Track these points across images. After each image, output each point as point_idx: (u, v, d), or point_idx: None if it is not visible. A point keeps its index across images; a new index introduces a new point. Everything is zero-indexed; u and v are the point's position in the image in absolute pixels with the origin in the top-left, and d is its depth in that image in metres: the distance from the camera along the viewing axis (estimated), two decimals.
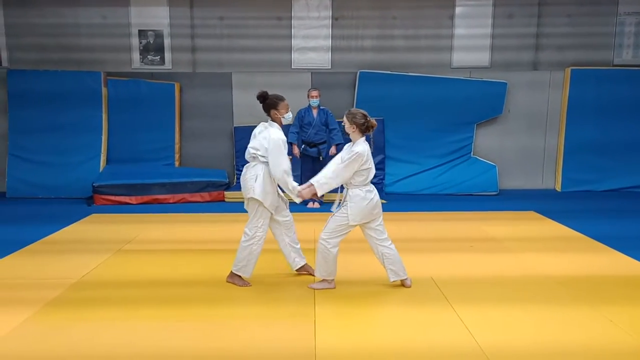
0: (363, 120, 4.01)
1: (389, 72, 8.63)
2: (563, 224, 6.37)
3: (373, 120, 4.07)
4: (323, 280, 4.13)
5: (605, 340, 3.32)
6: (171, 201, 7.64)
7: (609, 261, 4.98)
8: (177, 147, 8.64)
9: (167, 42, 8.58)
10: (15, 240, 5.50)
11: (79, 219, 6.63)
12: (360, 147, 4.02)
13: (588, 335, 3.39)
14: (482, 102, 8.64)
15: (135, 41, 8.56)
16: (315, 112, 7.38)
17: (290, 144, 7.17)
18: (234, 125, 8.68)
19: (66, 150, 8.25)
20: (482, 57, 8.77)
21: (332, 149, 7.29)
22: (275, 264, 4.73)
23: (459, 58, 8.77)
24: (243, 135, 8.47)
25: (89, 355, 3.12)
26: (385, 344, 3.27)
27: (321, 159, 7.29)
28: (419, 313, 3.74)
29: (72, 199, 7.96)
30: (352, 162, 3.97)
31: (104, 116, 8.37)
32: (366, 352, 3.16)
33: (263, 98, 4.28)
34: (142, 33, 8.56)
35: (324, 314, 3.70)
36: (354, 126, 4.03)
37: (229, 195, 7.93)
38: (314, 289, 4.10)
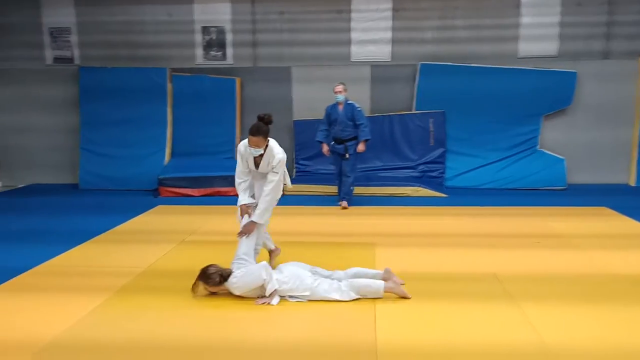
0: (218, 279, 3.77)
1: (451, 63, 8.42)
2: (637, 220, 6.03)
3: (227, 271, 3.88)
4: None
5: None
6: (232, 194, 7.75)
7: None
8: (237, 140, 8.80)
9: (229, 37, 8.75)
10: (88, 230, 5.78)
11: (146, 211, 6.88)
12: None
13: None
14: (549, 93, 8.29)
15: (198, 37, 8.77)
16: (340, 108, 6.91)
17: (319, 142, 7.06)
18: (294, 119, 8.75)
19: (133, 143, 8.59)
20: (550, 47, 8.40)
21: (360, 146, 6.87)
22: (336, 256, 4.73)
23: (526, 48, 8.44)
24: (302, 128, 8.54)
25: (157, 342, 3.23)
26: (448, 340, 3.19)
27: (347, 156, 6.88)
28: (482, 310, 3.63)
29: (139, 191, 8.27)
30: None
31: (169, 111, 8.65)
32: (428, 348, 3.11)
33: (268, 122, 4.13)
34: (205, 29, 8.76)
35: (385, 308, 3.66)
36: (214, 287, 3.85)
37: (288, 188, 8.00)
38: None
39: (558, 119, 8.49)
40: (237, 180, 4.27)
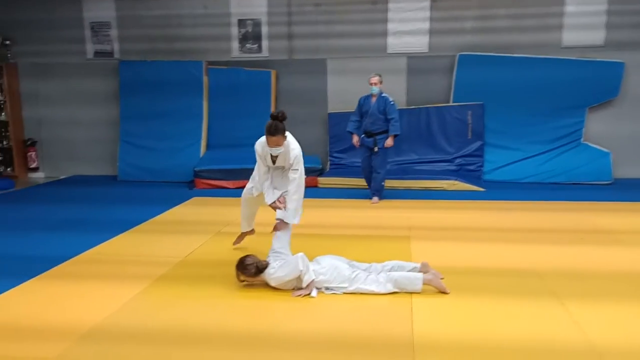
0: (254, 270, 3.80)
1: (491, 54, 8.21)
2: None
3: (263, 262, 3.88)
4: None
5: None
6: None
7: None
8: None
9: (264, 30, 8.75)
10: (128, 220, 5.89)
11: (182, 202, 6.97)
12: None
13: None
14: (595, 84, 7.98)
15: (234, 30, 8.80)
16: (374, 100, 6.72)
17: (350, 133, 6.90)
18: (329, 112, 8.70)
19: (170, 136, 8.69)
20: (596, 36, 8.08)
21: (389, 141, 6.67)
22: (371, 250, 4.68)
23: (570, 37, 8.14)
24: (337, 121, 8.47)
25: (194, 330, 3.25)
26: (487, 336, 3.11)
27: (376, 149, 6.72)
28: (523, 306, 3.52)
29: (176, 182, 8.39)
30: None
31: (205, 103, 8.72)
32: (466, 343, 3.03)
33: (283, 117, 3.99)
34: (241, 22, 8.78)
35: (421, 302, 3.59)
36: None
37: (323, 181, 7.98)
38: None
39: (604, 111, 8.18)
40: (259, 181, 4.26)
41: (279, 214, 4.16)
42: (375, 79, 6.70)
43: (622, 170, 8.10)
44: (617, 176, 7.98)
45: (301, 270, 3.72)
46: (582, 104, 8.12)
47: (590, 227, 5.49)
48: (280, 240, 4.07)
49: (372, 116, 6.72)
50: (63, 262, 4.53)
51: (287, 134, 4.08)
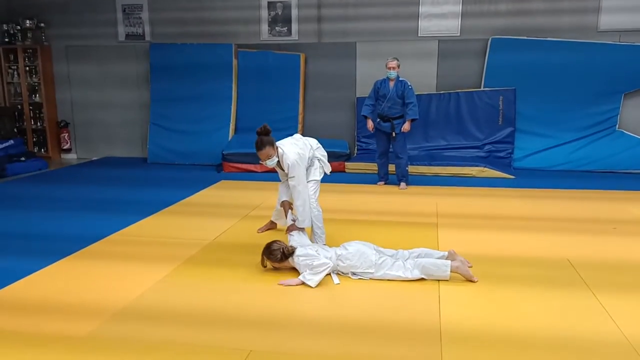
0: (280, 255, 3.83)
1: (524, 37, 8.00)
2: None
3: (289, 248, 3.88)
4: None
5: None
6: None
7: None
8: (300, 117, 8.81)
9: (294, 13, 8.69)
10: (157, 202, 5.99)
11: (210, 185, 7.04)
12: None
13: None
14: (632, 69, 7.72)
15: (264, 13, 8.77)
16: (391, 84, 6.61)
17: (364, 117, 6.80)
18: (357, 96, 8.63)
19: (199, 119, 8.77)
20: (636, 19, 7.79)
21: (406, 125, 6.56)
22: (398, 236, 4.66)
23: (608, 20, 7.86)
24: None
25: (222, 312, 3.30)
26: (517, 326, 3.07)
27: (394, 134, 6.63)
28: (555, 297, 3.46)
29: (204, 165, 8.48)
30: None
31: (234, 87, 8.75)
32: (495, 333, 3.00)
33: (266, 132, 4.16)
34: (271, 5, 8.74)
35: (449, 290, 3.57)
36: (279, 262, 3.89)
37: (350, 166, 7.96)
38: None
39: None
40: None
41: (289, 217, 4.37)
42: (393, 63, 6.60)
43: None
44: None
45: (323, 262, 3.70)
46: (618, 90, 7.88)
47: (624, 216, 5.36)
48: (297, 241, 4.10)
49: (390, 100, 6.63)
50: (94, 242, 4.64)
51: (285, 142, 4.34)
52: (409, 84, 6.62)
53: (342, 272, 3.80)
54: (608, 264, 4.06)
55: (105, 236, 4.80)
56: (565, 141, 8.00)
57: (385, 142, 6.83)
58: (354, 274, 3.78)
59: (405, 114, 6.60)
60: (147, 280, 3.75)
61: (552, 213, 5.53)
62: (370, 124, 6.77)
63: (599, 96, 7.90)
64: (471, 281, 3.70)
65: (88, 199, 6.31)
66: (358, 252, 3.80)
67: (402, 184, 6.80)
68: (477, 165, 7.58)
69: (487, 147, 8.21)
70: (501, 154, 8.15)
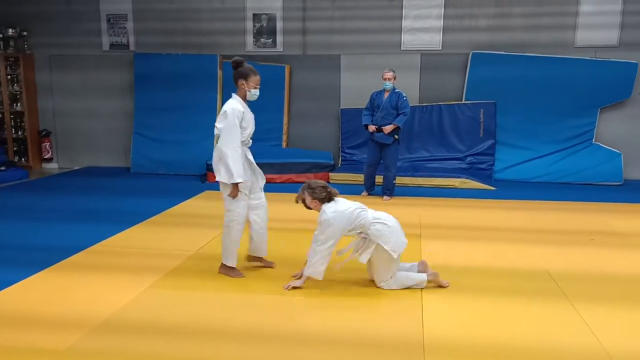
0: (325, 194, 3.72)
1: (504, 52, 8.18)
2: None
3: (334, 190, 3.78)
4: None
5: None
6: (278, 181, 7.85)
7: None
8: (285, 128, 8.85)
9: (279, 25, 8.76)
10: (140, 212, 5.96)
11: (194, 195, 7.03)
12: (325, 214, 3.67)
13: None
14: (608, 84, 7.94)
15: (249, 24, 8.83)
16: (386, 95, 6.78)
17: (365, 126, 6.91)
18: (341, 107, 8.71)
19: (184, 129, 8.75)
20: (610, 36, 8.03)
21: (388, 127, 6.67)
22: None
23: (584, 37, 8.09)
24: (349, 117, 8.50)
25: (204, 325, 3.30)
26: (498, 337, 3.13)
27: (396, 137, 6.78)
28: (534, 308, 3.53)
29: (188, 175, 8.46)
30: (325, 231, 3.65)
31: (219, 97, 8.76)
32: (477, 344, 3.05)
33: (237, 64, 3.95)
34: (256, 17, 8.81)
35: (432, 302, 3.62)
36: (316, 201, 3.74)
37: (334, 176, 8.00)
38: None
39: (616, 112, 8.13)
40: None
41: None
42: (389, 74, 6.75)
43: (633, 171, 8.08)
44: (627, 177, 7.95)
45: (330, 245, 3.66)
46: (594, 105, 8.08)
47: (601, 228, 5.48)
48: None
49: (383, 110, 6.76)
50: (76, 253, 4.60)
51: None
52: (404, 95, 6.78)
53: (365, 236, 3.73)
54: (586, 275, 4.14)
55: (87, 247, 4.76)
56: (544, 154, 8.18)
57: (377, 153, 6.92)
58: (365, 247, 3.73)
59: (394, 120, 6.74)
60: (129, 292, 3.73)
61: (532, 224, 5.63)
62: (372, 128, 6.84)
63: (576, 110, 8.09)
64: (441, 286, 3.83)
65: (69, 209, 6.25)
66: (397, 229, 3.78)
67: (386, 197, 6.87)
68: (459, 177, 7.69)
69: (468, 159, 8.34)
70: (482, 166, 8.28)
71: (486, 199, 6.90)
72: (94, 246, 4.80)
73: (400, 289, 3.79)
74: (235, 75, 4.01)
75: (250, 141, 4.17)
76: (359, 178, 7.81)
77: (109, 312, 3.42)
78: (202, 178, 8.17)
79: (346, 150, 8.65)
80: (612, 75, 7.92)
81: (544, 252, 4.70)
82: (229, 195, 3.99)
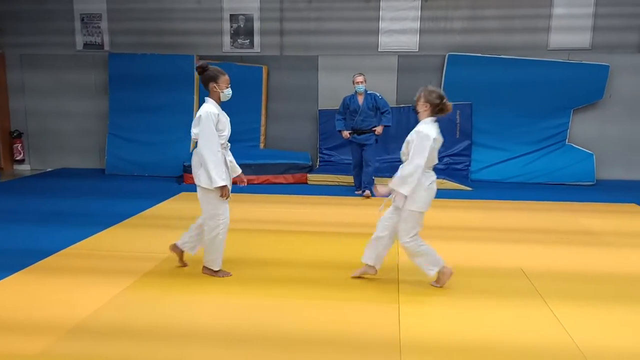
0: (438, 101, 3.71)
1: (479, 54, 8.28)
2: None
3: (449, 104, 3.77)
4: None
5: None
6: (256, 182, 7.81)
7: None
8: (262, 129, 8.82)
9: (256, 25, 8.73)
10: (115, 214, 5.88)
11: (170, 197, 6.96)
12: (426, 127, 3.70)
13: None
14: (580, 86, 8.11)
15: (226, 25, 8.78)
16: (361, 99, 6.89)
17: (339, 132, 7.09)
18: (319, 108, 8.72)
19: (160, 130, 8.66)
20: (583, 39, 8.19)
21: (379, 128, 6.93)
22: (358, 247, 4.71)
23: (557, 39, 8.25)
24: (327, 118, 8.50)
25: (180, 328, 3.26)
26: (474, 336, 3.16)
27: (376, 139, 7.00)
28: (509, 306, 3.58)
29: (164, 177, 8.36)
30: (421, 145, 3.66)
31: (196, 98, 8.69)
32: (453, 344, 3.07)
33: (202, 69, 3.97)
34: (233, 17, 8.76)
35: (408, 302, 3.64)
36: (427, 105, 3.73)
37: (312, 177, 8.00)
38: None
39: (589, 113, 8.30)
40: None
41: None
42: (360, 78, 6.86)
43: (604, 171, 8.24)
44: (602, 177, 8.12)
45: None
46: (567, 106, 8.24)
47: (573, 227, 5.58)
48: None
49: (362, 113, 6.86)
50: (49, 256, 4.51)
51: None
52: (379, 95, 6.93)
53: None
54: (559, 274, 4.22)
55: (60, 250, 4.67)
56: (519, 154, 8.31)
57: (360, 154, 7.05)
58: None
59: (380, 122, 6.94)
60: (103, 296, 3.66)
61: (507, 224, 5.71)
62: (345, 134, 7.01)
63: (550, 111, 8.24)
64: (437, 282, 3.89)
65: (42, 211, 6.13)
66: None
67: (367, 191, 6.93)
68: (436, 177, 7.72)
69: (445, 160, 8.41)
70: (459, 167, 8.37)
71: (463, 199, 6.97)
72: (67, 249, 4.72)
73: (415, 258, 3.83)
74: (204, 79, 4.02)
75: (229, 144, 4.14)
76: (337, 179, 7.85)
77: (83, 315, 3.36)
78: (179, 180, 8.09)
79: (324, 151, 8.66)
80: (584, 77, 8.08)
81: (518, 251, 4.76)
82: (220, 196, 3.97)
